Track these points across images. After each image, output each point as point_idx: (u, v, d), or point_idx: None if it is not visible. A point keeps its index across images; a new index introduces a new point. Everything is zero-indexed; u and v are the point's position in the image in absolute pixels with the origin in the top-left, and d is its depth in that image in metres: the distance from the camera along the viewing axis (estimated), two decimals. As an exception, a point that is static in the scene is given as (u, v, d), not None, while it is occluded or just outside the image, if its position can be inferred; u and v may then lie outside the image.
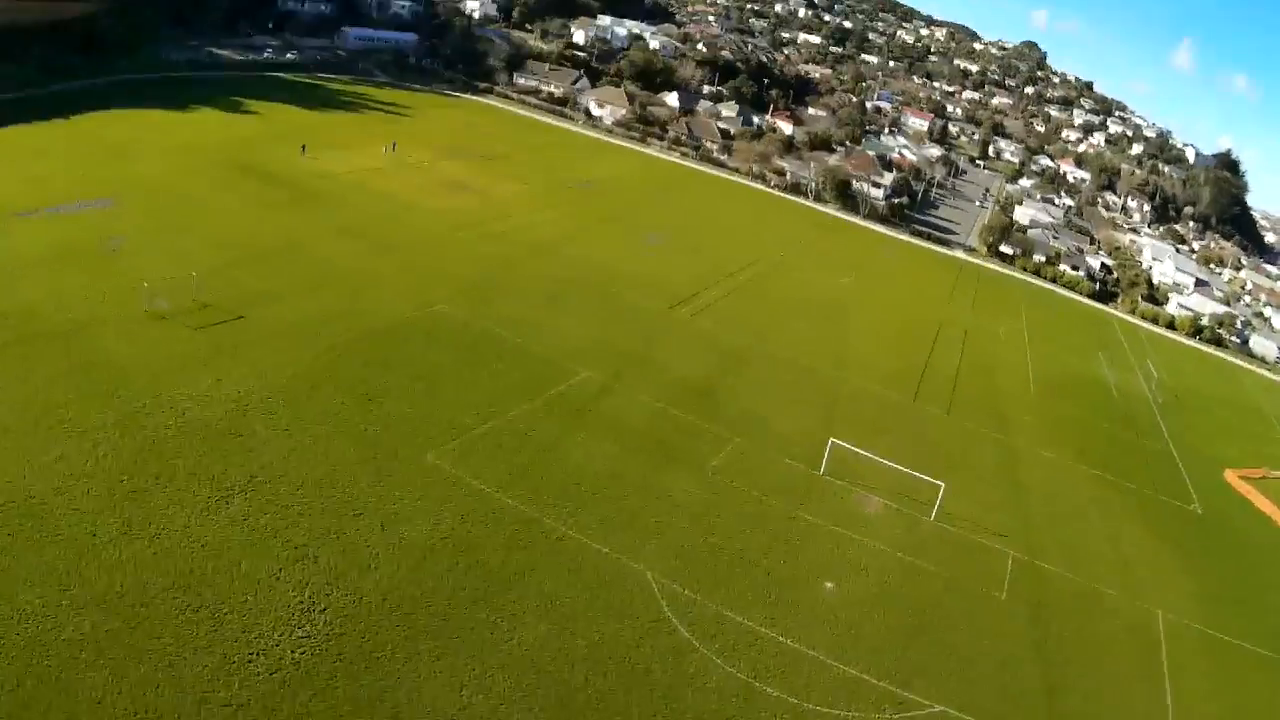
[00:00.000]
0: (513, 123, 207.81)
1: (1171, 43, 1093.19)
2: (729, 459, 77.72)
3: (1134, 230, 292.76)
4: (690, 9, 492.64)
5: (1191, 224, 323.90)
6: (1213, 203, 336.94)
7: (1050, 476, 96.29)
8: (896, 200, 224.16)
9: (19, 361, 70.04)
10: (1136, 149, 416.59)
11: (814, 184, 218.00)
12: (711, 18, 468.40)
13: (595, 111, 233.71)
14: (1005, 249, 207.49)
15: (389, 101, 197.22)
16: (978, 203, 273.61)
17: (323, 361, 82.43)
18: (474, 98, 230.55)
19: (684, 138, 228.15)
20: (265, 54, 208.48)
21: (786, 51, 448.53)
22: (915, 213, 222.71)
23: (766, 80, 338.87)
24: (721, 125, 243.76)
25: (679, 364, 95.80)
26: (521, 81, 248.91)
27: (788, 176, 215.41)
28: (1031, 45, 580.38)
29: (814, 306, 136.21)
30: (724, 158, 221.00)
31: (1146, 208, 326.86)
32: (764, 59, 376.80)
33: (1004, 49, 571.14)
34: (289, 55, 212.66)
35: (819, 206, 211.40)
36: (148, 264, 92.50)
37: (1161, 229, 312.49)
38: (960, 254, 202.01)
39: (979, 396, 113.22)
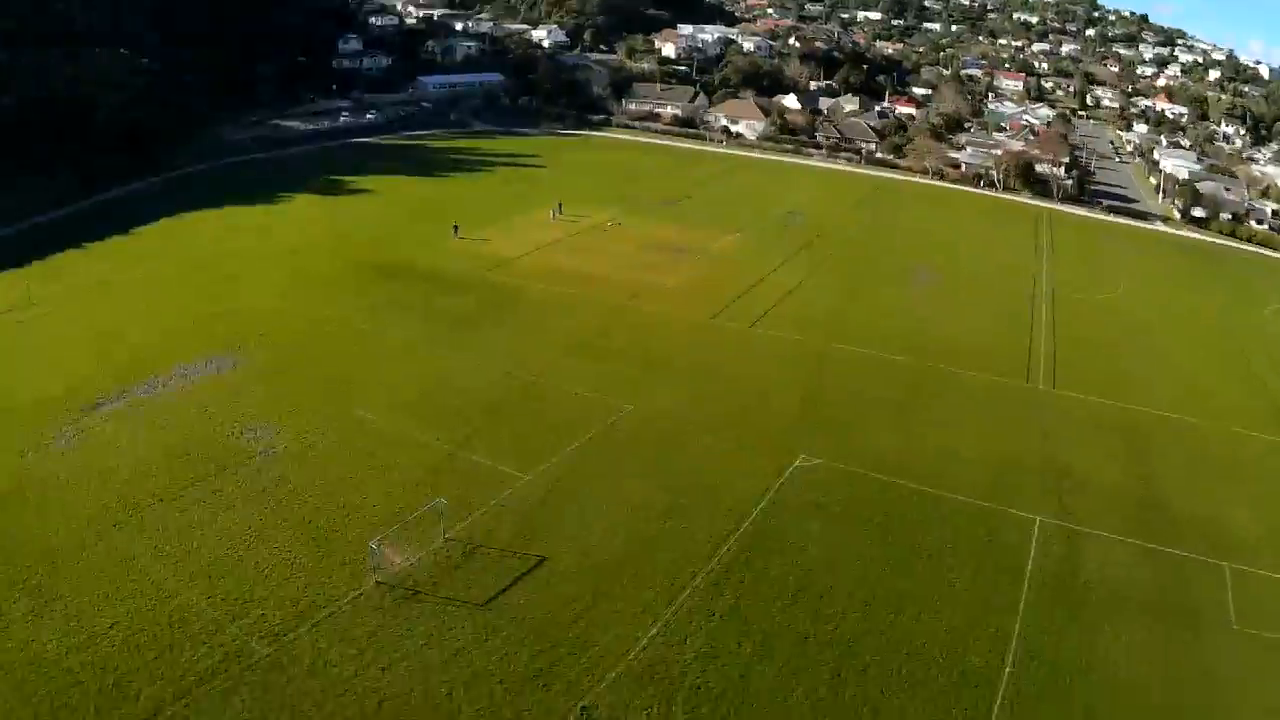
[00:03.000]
0: (656, 155, 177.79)
1: None
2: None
3: (1251, 160, 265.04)
4: (744, 3, 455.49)
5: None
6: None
7: None
8: (1075, 176, 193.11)
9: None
10: (1214, 74, 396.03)
11: (998, 174, 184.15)
12: (771, 10, 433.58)
13: (734, 128, 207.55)
14: (1197, 212, 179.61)
15: (508, 153, 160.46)
16: (1116, 159, 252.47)
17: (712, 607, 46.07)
18: (593, 133, 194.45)
19: (842, 144, 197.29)
20: (341, 119, 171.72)
21: (852, 31, 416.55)
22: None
23: (866, 66, 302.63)
24: (870, 123, 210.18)
25: (1093, 469, 67.26)
26: (633, 107, 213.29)
27: (963, 169, 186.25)
28: None
29: (1137, 333, 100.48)
30: (889, 157, 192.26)
31: (1242, 131, 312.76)
32: (854, 44, 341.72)
33: None
34: (369, 116, 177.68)
35: (1012, 197, 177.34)
36: (328, 477, 55.80)
37: (1271, 151, 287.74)
38: (1161, 226, 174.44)
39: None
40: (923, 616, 47.93)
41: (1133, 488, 64.70)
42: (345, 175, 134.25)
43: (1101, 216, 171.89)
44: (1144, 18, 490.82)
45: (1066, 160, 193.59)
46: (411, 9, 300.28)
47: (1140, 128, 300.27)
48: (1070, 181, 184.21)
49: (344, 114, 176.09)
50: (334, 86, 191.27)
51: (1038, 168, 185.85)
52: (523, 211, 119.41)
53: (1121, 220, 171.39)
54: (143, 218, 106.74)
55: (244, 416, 61.48)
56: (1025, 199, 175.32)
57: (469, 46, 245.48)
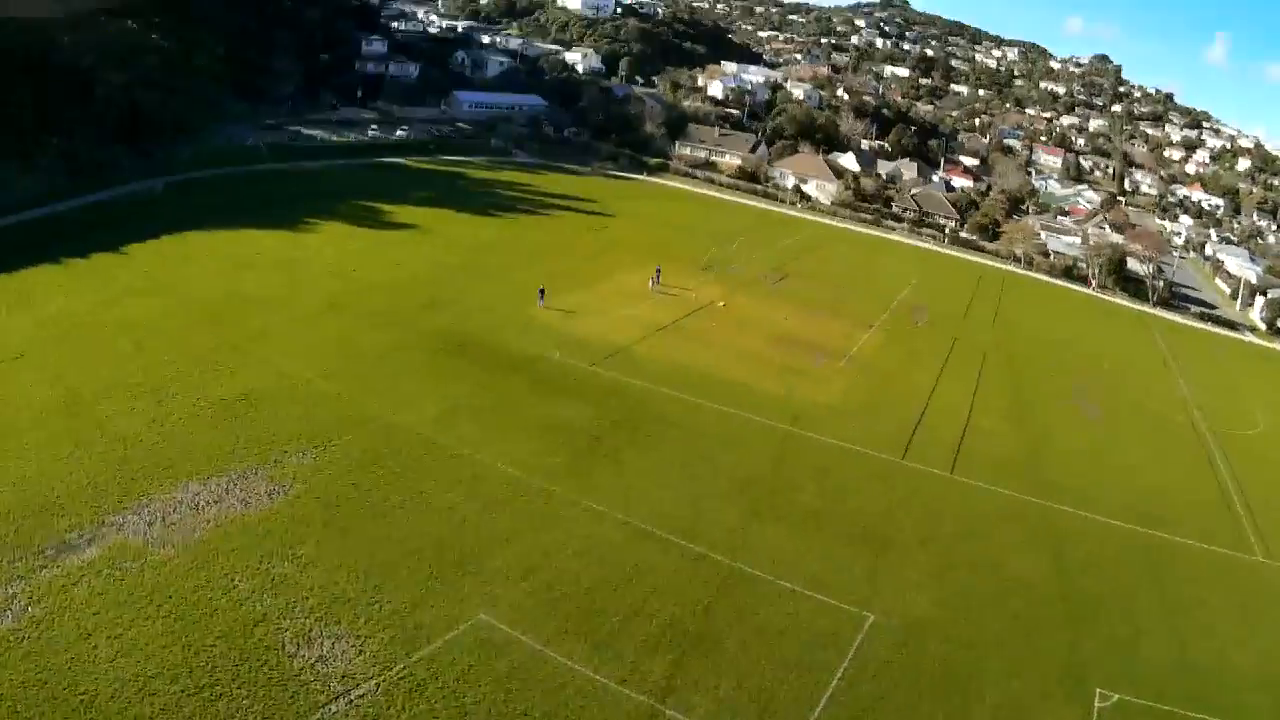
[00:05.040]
0: (729, 213, 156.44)
1: (1204, 39, 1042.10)
2: None
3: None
4: (770, 46, 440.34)
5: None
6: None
7: None
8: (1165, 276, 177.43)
9: None
10: (1243, 164, 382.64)
11: (1093, 269, 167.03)
12: (799, 56, 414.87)
13: (806, 189, 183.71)
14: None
15: (564, 194, 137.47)
16: (1175, 253, 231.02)
17: None
18: (648, 178, 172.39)
19: (923, 219, 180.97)
20: (370, 132, 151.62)
21: (887, 86, 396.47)
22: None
23: (913, 127, 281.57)
24: (949, 195, 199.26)
25: None
26: (688, 151, 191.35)
27: (1051, 258, 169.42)
28: (1104, 59, 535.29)
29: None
30: (974, 238, 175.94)
31: (1274, 227, 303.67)
32: (893, 102, 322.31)
33: (1079, 65, 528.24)
34: (399, 132, 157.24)
35: (1108, 296, 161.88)
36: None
37: None
38: (1250, 337, 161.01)
39: None
40: None
41: None
42: (382, 202, 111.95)
43: (1193, 323, 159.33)
44: (1169, 96, 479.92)
45: (1165, 258, 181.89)
46: (434, 18, 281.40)
47: (1185, 219, 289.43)
48: (1161, 282, 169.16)
49: (372, 127, 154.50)
50: (359, 93, 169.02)
51: (1130, 263, 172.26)
52: (610, 275, 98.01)
53: (1215, 329, 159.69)
54: (138, 231, 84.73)
55: (293, 606, 38.41)
56: (1122, 300, 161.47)
57: (501, 63, 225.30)
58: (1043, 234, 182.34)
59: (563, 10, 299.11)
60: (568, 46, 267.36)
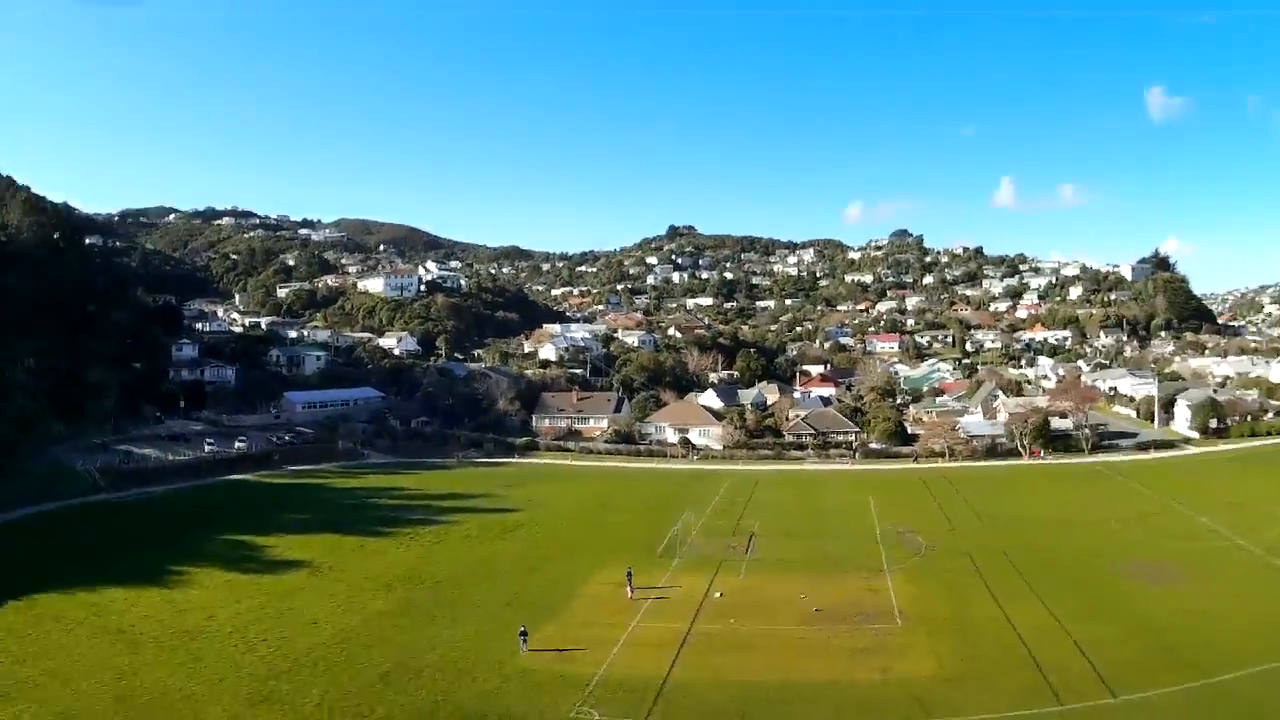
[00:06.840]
0: (632, 481, 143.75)
1: (990, 187, 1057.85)
2: None
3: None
4: (568, 302, 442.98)
5: (1162, 334, 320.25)
6: (1170, 306, 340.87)
7: None
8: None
9: None
10: (1075, 291, 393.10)
11: (1022, 439, 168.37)
12: (600, 306, 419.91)
13: (691, 437, 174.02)
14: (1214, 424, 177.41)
15: (446, 493, 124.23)
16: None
17: None
18: (521, 460, 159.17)
19: (827, 440, 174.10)
20: (207, 446, 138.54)
21: (700, 317, 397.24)
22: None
23: (754, 350, 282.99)
24: (838, 411, 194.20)
25: None
26: (547, 423, 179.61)
27: (972, 443, 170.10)
28: (903, 233, 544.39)
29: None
30: (886, 446, 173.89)
31: (1124, 338, 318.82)
32: (722, 329, 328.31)
33: (879, 247, 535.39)
34: (238, 444, 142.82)
35: (1042, 461, 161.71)
36: None
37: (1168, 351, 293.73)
38: (1193, 450, 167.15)
39: None
40: None
41: None
42: (253, 535, 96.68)
43: (1138, 456, 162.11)
44: (979, 250, 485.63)
45: (1087, 409, 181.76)
46: (235, 315, 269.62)
47: (1044, 360, 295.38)
48: (1088, 429, 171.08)
49: (207, 441, 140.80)
50: (181, 403, 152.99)
51: (1054, 422, 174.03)
52: (572, 589, 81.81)
53: (1161, 455, 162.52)
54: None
55: None
56: (1063, 458, 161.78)
57: (319, 357, 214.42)
58: (959, 421, 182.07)
59: (366, 295, 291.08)
60: (379, 332, 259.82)
